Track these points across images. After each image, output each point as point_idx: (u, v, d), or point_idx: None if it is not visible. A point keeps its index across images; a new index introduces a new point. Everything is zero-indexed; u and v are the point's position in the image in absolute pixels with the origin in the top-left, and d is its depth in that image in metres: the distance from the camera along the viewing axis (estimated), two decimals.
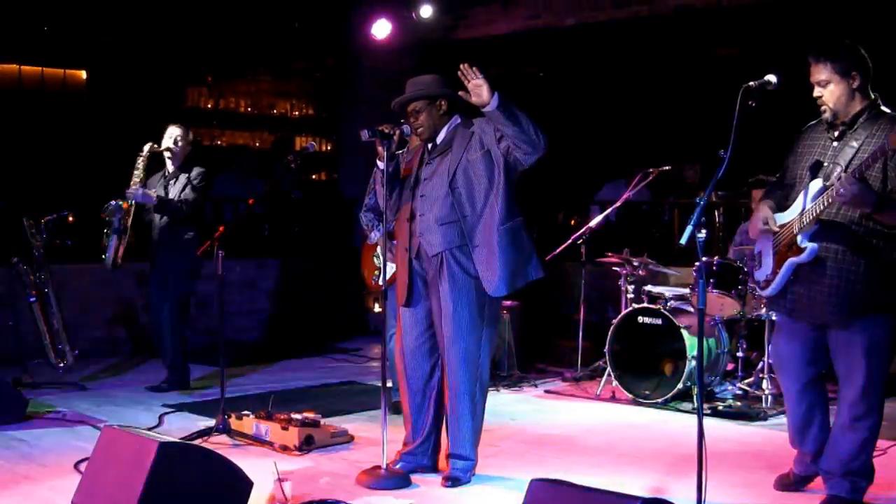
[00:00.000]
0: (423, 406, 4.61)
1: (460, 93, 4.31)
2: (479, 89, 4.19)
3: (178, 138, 6.65)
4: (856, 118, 4.00)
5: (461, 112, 4.57)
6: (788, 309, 4.15)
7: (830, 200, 3.89)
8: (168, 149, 6.62)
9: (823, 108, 4.04)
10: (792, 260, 4.02)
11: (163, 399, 6.40)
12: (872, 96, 4.03)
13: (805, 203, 4.02)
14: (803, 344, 4.16)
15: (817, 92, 4.03)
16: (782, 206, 4.17)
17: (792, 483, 4.40)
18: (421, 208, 4.50)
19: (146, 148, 6.59)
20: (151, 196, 6.48)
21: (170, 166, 6.69)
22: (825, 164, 4.02)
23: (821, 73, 4.00)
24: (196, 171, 6.66)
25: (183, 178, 6.63)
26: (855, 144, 3.95)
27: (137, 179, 6.54)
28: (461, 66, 4.24)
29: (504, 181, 4.37)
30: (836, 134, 4.05)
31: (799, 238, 4.00)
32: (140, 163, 6.56)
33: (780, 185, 4.29)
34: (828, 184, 3.94)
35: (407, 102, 4.54)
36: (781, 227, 4.13)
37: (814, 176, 4.02)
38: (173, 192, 6.60)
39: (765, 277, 4.21)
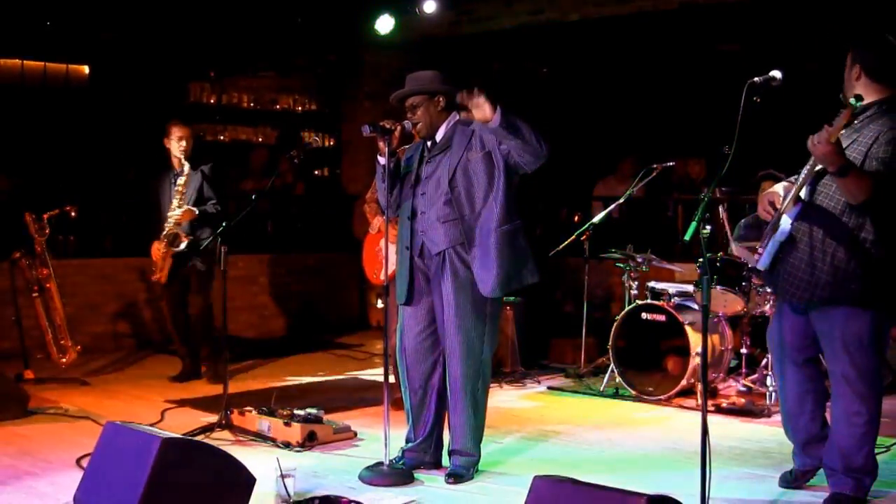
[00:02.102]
0: (425, 403, 4.60)
1: (463, 114, 4.32)
2: (481, 108, 4.18)
3: (187, 139, 6.71)
4: (865, 109, 3.99)
5: (459, 109, 4.54)
6: (773, 285, 4.25)
7: (804, 175, 3.96)
8: (183, 152, 6.69)
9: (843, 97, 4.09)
10: (773, 237, 4.09)
11: (165, 395, 6.40)
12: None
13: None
14: (790, 326, 4.23)
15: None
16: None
17: (794, 479, 4.39)
18: (422, 206, 4.49)
19: (185, 165, 6.63)
20: (195, 212, 6.59)
21: (177, 164, 6.73)
22: None
23: (848, 57, 4.08)
24: (207, 170, 6.73)
25: (195, 175, 6.68)
26: (855, 135, 3.97)
27: (177, 202, 6.61)
28: (458, 96, 4.24)
29: (504, 183, 4.36)
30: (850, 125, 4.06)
31: (783, 217, 4.06)
32: (180, 187, 6.62)
33: None
34: (818, 168, 3.97)
35: (405, 97, 4.53)
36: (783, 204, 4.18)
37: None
38: (190, 190, 6.65)
39: (759, 248, 4.26)
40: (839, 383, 4.05)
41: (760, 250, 4.20)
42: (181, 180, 6.65)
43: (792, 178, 4.23)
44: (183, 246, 6.57)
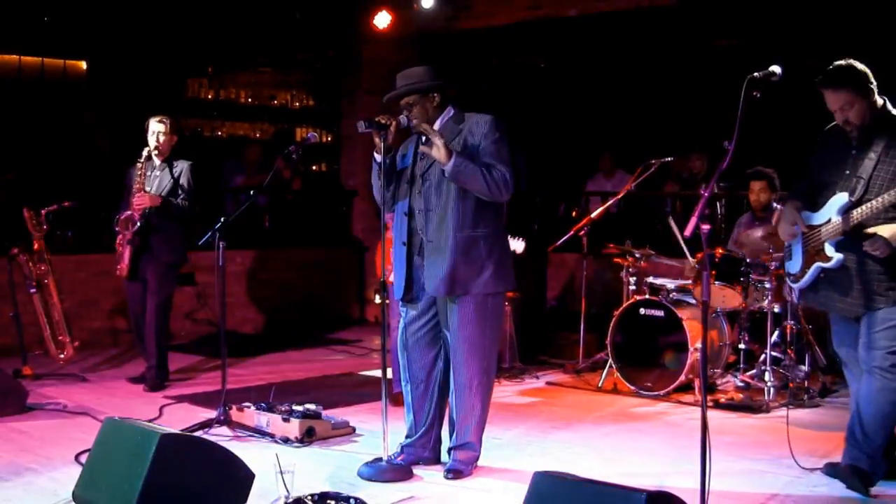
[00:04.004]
0: (425, 398, 4.60)
1: (422, 148, 4.37)
2: (437, 150, 4.24)
3: (161, 134, 6.38)
4: (867, 127, 4.12)
5: (455, 102, 4.53)
6: (820, 303, 4.40)
7: (855, 223, 4.09)
8: (155, 147, 6.39)
9: (850, 129, 4.17)
10: (819, 264, 4.25)
11: (163, 391, 6.38)
12: (880, 102, 4.16)
13: (832, 214, 4.19)
14: (852, 339, 4.31)
15: (840, 116, 4.15)
16: (811, 208, 4.33)
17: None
18: (419, 205, 4.47)
19: (144, 153, 6.38)
20: (157, 199, 6.30)
21: (156, 160, 6.45)
22: (847, 172, 4.17)
23: (840, 98, 4.11)
24: (184, 167, 6.44)
25: (168, 173, 6.41)
26: (873, 156, 4.09)
27: (139, 186, 6.33)
28: (422, 127, 4.33)
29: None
30: (854, 143, 4.18)
31: (826, 247, 4.21)
32: (140, 168, 6.36)
33: (804, 185, 4.44)
34: (853, 199, 4.11)
35: (399, 98, 4.50)
36: (810, 227, 4.30)
37: (840, 187, 4.18)
38: (156, 187, 6.38)
39: (795, 272, 4.42)
40: (874, 374, 4.15)
41: (798, 273, 4.36)
42: (151, 168, 6.38)
43: (798, 205, 4.34)
44: (136, 226, 6.26)
